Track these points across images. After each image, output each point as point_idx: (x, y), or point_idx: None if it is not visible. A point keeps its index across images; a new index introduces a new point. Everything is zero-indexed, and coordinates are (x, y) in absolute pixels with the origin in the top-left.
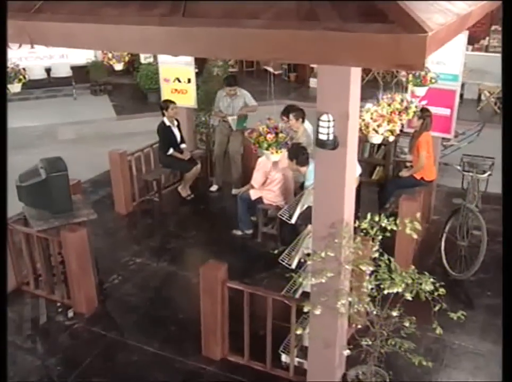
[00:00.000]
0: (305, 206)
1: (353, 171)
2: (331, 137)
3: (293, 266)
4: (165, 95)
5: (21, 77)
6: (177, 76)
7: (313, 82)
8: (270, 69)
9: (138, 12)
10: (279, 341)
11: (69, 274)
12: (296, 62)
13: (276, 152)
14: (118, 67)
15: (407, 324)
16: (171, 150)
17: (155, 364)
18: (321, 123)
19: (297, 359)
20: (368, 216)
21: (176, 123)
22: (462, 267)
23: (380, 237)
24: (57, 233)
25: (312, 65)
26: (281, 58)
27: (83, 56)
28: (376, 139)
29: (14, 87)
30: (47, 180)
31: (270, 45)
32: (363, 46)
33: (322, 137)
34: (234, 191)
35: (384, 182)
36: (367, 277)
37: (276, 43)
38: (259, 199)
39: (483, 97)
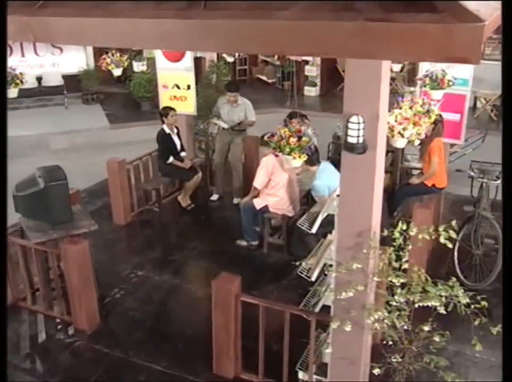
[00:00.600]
0: (325, 214)
1: (381, 177)
2: (360, 140)
3: (314, 278)
4: (163, 102)
5: (18, 81)
6: (176, 82)
7: (307, 90)
8: (264, 77)
9: (155, 6)
10: (294, 357)
11: (69, 289)
12: (334, 57)
13: (299, 157)
14: (117, 72)
15: (437, 338)
16: (171, 159)
17: None
18: (350, 126)
19: (315, 376)
20: (400, 224)
21: (175, 130)
22: (477, 276)
23: (410, 247)
24: (56, 246)
25: (307, 73)
26: (316, 53)
27: (75, 65)
28: (400, 143)
29: (11, 93)
30: (46, 189)
31: (304, 39)
32: (411, 37)
33: (352, 140)
34: (236, 201)
35: (392, 189)
36: (399, 290)
37: (311, 36)
38: (265, 208)
39: (479, 105)
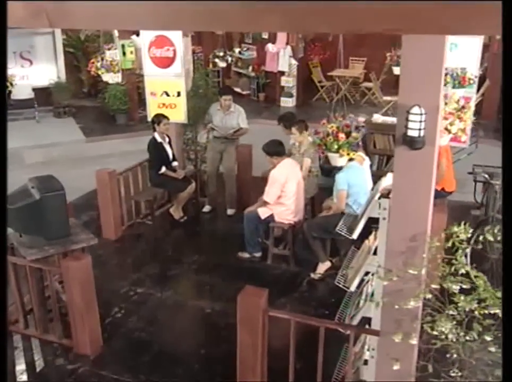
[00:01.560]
0: (367, 218)
1: (434, 175)
2: (422, 134)
3: (353, 288)
4: (151, 110)
5: (8, 84)
6: (165, 89)
7: (283, 101)
8: (238, 89)
9: None
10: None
11: (70, 309)
12: (417, 33)
13: (348, 154)
14: (106, 77)
15: (492, 349)
16: (163, 169)
17: None
18: (411, 117)
19: None
20: (462, 226)
21: (167, 139)
22: (494, 281)
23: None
24: (53, 263)
25: (318, 80)
26: (398, 29)
27: (45, 77)
28: (445, 139)
29: None
30: (42, 200)
31: (383, 14)
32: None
33: (413, 133)
34: (230, 212)
35: None
36: (462, 297)
37: (393, 10)
38: (270, 217)
39: None
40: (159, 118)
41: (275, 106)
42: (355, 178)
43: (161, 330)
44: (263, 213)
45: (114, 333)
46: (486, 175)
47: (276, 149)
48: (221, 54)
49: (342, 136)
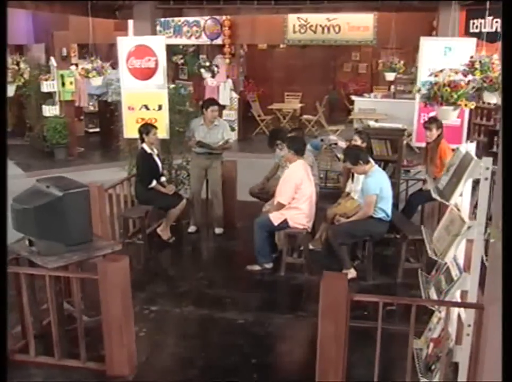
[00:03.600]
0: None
1: None
2: None
3: (448, 260)
4: (128, 126)
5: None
6: (144, 103)
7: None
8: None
9: None
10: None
11: (106, 323)
12: None
13: (465, 105)
14: (97, 81)
15: None
16: (154, 183)
17: None
18: None
19: None
20: None
21: (156, 151)
22: None
23: None
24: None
25: None
26: None
27: None
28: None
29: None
30: (64, 198)
31: None
32: None
33: None
34: (218, 231)
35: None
36: None
37: None
38: (284, 223)
39: None
40: (147, 127)
41: None
42: (385, 182)
43: (198, 344)
44: (276, 218)
45: (145, 352)
46: None
47: (298, 146)
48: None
49: (462, 83)
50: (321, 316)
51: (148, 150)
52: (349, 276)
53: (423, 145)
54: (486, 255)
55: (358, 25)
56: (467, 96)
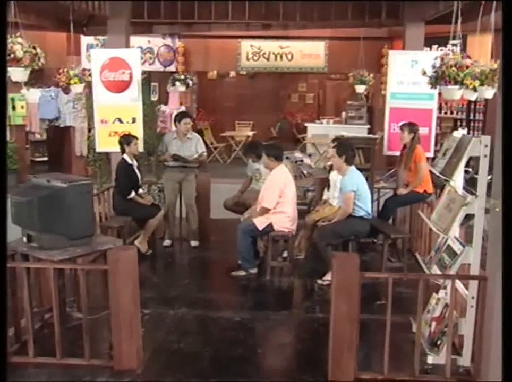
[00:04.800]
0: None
1: None
2: None
3: (452, 234)
4: (101, 139)
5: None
6: (117, 115)
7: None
8: None
9: None
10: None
11: (115, 316)
12: None
13: (470, 83)
14: (78, 89)
15: None
16: (133, 194)
17: None
18: None
19: (453, 357)
20: None
21: (135, 162)
22: None
23: None
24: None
25: None
26: None
27: None
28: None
29: None
30: (68, 190)
31: None
32: None
33: None
34: (193, 243)
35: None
36: None
37: None
38: (268, 227)
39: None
40: (128, 138)
41: None
42: (361, 180)
43: (201, 340)
44: (261, 223)
45: (148, 349)
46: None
47: (276, 152)
48: None
49: (466, 64)
50: (334, 296)
51: (129, 161)
52: None
53: (395, 153)
54: None
55: (310, 52)
56: (471, 75)
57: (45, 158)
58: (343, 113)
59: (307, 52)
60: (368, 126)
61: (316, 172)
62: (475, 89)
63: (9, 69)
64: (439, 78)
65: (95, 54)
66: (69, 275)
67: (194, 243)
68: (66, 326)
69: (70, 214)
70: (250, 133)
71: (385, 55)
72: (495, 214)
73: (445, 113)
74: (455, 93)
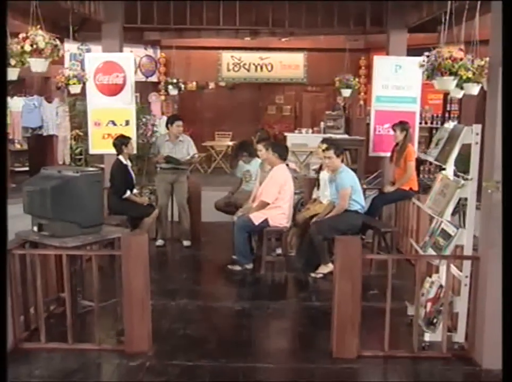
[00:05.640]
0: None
1: None
2: None
3: (447, 217)
4: (94, 141)
5: None
6: (111, 118)
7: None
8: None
9: None
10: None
11: (128, 299)
12: None
13: (464, 74)
14: (76, 89)
15: None
16: (128, 193)
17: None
18: None
19: (448, 334)
20: None
21: (130, 163)
22: None
23: None
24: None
25: None
26: None
27: None
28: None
29: None
30: (80, 179)
31: None
32: None
33: None
34: (186, 243)
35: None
36: None
37: None
38: (264, 222)
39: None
40: (124, 139)
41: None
42: (355, 176)
43: (206, 326)
44: (257, 218)
45: (157, 334)
46: None
47: (282, 151)
48: None
49: (460, 57)
50: (338, 276)
51: (124, 162)
52: (328, 270)
53: (380, 154)
54: None
55: (290, 63)
56: (465, 67)
57: (26, 168)
58: (322, 123)
59: (286, 63)
60: (346, 135)
61: (301, 176)
62: (468, 80)
63: (30, 59)
64: (435, 69)
65: (89, 57)
66: (76, 265)
67: (186, 242)
68: (74, 314)
69: (82, 202)
70: (230, 143)
71: (362, 67)
72: (486, 195)
73: (420, 123)
74: (450, 83)
